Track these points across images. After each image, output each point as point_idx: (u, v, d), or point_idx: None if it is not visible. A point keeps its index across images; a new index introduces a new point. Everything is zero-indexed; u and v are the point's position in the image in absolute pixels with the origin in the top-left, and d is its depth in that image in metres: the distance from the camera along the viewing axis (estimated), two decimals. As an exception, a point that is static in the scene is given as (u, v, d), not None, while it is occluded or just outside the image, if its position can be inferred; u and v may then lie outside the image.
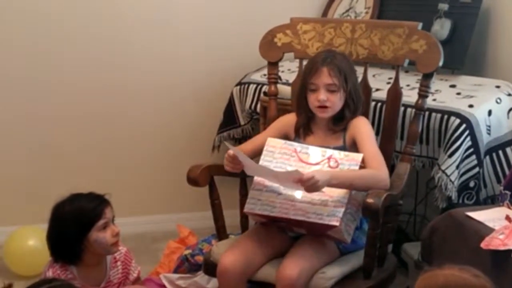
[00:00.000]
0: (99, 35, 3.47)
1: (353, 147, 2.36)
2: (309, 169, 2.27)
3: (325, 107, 2.35)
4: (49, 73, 3.43)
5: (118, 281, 2.49)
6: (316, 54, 2.46)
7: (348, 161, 2.25)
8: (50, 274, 2.36)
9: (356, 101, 2.39)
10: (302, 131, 2.45)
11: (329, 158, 2.27)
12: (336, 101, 2.35)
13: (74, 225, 2.34)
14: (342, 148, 2.34)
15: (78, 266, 2.40)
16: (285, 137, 2.44)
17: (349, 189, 2.21)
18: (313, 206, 2.22)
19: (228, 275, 2.24)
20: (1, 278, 3.19)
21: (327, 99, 2.33)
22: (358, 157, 2.25)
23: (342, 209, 2.18)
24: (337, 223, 2.17)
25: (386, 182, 2.24)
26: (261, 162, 2.36)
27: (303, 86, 2.40)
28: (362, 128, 2.38)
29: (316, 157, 2.30)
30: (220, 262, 2.27)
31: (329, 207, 2.20)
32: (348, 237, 2.25)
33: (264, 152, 2.36)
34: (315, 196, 2.22)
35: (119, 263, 2.50)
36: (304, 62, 2.66)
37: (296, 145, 2.34)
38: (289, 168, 2.29)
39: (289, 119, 2.49)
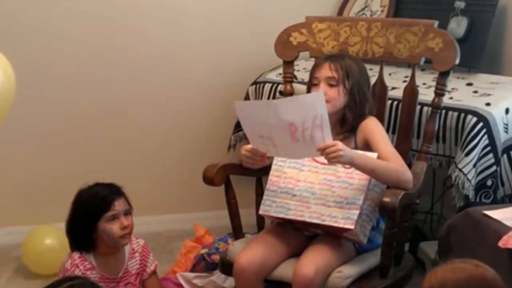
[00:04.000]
0: (115, 32, 3.49)
1: (365, 149, 2.34)
2: (323, 169, 2.27)
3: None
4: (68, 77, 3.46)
5: (136, 272, 2.56)
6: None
7: None
8: (68, 264, 2.42)
9: (360, 103, 2.36)
10: None
11: None
12: (334, 96, 2.33)
13: (86, 212, 2.43)
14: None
15: (96, 256, 2.47)
16: None
17: (370, 176, 2.20)
18: (328, 208, 2.22)
19: (244, 274, 2.24)
20: (20, 277, 3.22)
21: (325, 92, 2.29)
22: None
23: (357, 212, 2.18)
24: (352, 226, 2.17)
25: (410, 183, 2.22)
26: (275, 162, 2.36)
27: (309, 83, 2.42)
28: (374, 129, 2.35)
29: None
30: (237, 261, 2.27)
31: (344, 209, 2.20)
32: (364, 238, 2.25)
33: None
34: (330, 197, 2.22)
35: (137, 254, 2.56)
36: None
37: None
38: (304, 168, 2.29)
39: None
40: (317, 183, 2.28)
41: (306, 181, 2.29)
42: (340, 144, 2.11)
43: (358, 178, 2.23)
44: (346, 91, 2.34)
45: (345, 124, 2.37)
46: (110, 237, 2.43)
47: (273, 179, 2.35)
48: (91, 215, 2.42)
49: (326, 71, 2.35)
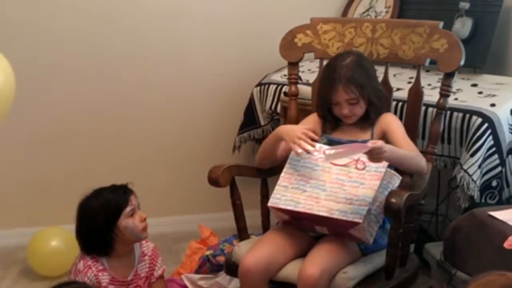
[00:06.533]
0: (118, 33, 3.49)
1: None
2: (336, 169, 2.28)
3: (348, 117, 2.40)
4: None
5: (145, 275, 2.57)
6: (331, 66, 2.42)
7: (375, 164, 2.24)
8: (81, 265, 2.43)
9: (379, 101, 2.41)
10: (330, 127, 2.47)
11: (357, 160, 2.28)
12: (358, 110, 2.39)
13: (103, 217, 2.43)
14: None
15: (108, 258, 2.47)
16: (314, 133, 2.44)
17: (396, 165, 2.27)
18: (338, 203, 2.22)
19: (250, 275, 2.24)
20: (25, 278, 3.22)
21: (349, 111, 2.38)
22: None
23: (366, 208, 2.18)
24: (360, 220, 2.16)
25: (425, 169, 2.34)
26: (288, 161, 2.37)
27: (326, 100, 2.41)
28: (394, 121, 2.42)
29: (343, 160, 2.29)
30: (242, 262, 2.27)
31: (354, 205, 2.20)
32: (370, 238, 2.25)
33: (292, 153, 2.37)
34: (340, 194, 2.23)
35: (146, 257, 2.58)
36: (325, 62, 2.66)
37: (325, 147, 2.33)
38: (317, 168, 2.31)
39: (313, 119, 2.51)
40: (328, 182, 2.28)
41: (318, 179, 2.30)
42: (384, 146, 2.16)
43: (370, 179, 2.23)
44: (365, 100, 2.38)
45: (368, 120, 2.42)
46: (133, 231, 2.44)
47: (286, 175, 2.34)
48: (111, 215, 2.42)
49: (343, 95, 2.36)
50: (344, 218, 2.19)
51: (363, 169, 2.24)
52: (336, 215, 2.20)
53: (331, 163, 2.30)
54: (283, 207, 2.30)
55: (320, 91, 2.46)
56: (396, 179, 2.29)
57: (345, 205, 2.20)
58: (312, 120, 2.52)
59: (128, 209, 2.44)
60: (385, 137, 2.37)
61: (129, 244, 2.50)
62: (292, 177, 2.33)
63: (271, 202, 2.33)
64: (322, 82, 2.45)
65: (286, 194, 2.31)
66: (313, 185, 2.29)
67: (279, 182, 2.34)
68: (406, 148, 2.30)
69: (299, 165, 2.34)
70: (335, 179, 2.27)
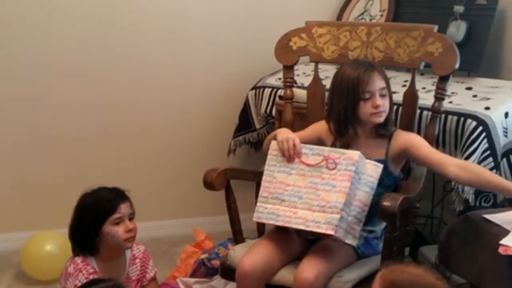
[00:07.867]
0: (115, 37, 3.49)
1: (396, 160, 2.36)
2: (309, 171, 2.28)
3: (380, 112, 2.32)
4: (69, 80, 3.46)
5: (136, 278, 2.57)
6: (352, 68, 2.33)
7: (345, 160, 2.23)
8: (72, 269, 2.42)
9: (391, 101, 2.39)
10: (343, 142, 2.41)
11: (326, 159, 2.26)
12: (387, 105, 2.34)
13: (91, 215, 2.43)
14: (384, 162, 2.31)
15: (98, 261, 2.46)
16: (319, 141, 2.44)
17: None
18: (313, 213, 2.22)
19: (247, 278, 2.24)
20: (19, 283, 3.21)
21: (382, 103, 2.31)
22: (354, 155, 2.22)
23: (338, 216, 2.17)
24: (332, 232, 2.17)
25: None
26: (266, 167, 2.36)
27: (353, 99, 2.31)
28: (413, 137, 2.37)
29: (314, 158, 2.29)
30: (240, 266, 2.27)
31: (327, 213, 2.20)
32: (354, 240, 2.24)
33: (268, 157, 2.38)
34: (314, 201, 2.23)
35: (137, 260, 2.58)
36: (320, 66, 2.67)
37: (327, 148, 2.33)
38: (292, 172, 2.31)
39: (322, 127, 2.48)
40: (304, 187, 2.28)
41: (294, 185, 2.29)
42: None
43: (340, 179, 2.22)
44: (389, 96, 2.36)
45: (387, 126, 2.37)
46: (115, 240, 2.43)
47: (265, 184, 2.35)
48: (96, 217, 2.42)
49: (379, 82, 2.31)
50: (318, 230, 2.19)
51: (334, 168, 2.24)
52: (311, 227, 2.21)
53: (303, 162, 2.30)
54: (266, 221, 2.33)
55: (343, 95, 2.33)
56: (372, 167, 2.26)
57: (319, 214, 2.21)
58: (321, 127, 2.49)
59: (114, 216, 2.43)
60: (404, 154, 2.35)
61: (113, 250, 2.48)
62: (271, 185, 2.33)
63: (256, 217, 2.34)
64: (349, 84, 2.32)
65: (267, 206, 2.31)
66: (290, 193, 2.29)
67: (260, 192, 2.35)
68: (438, 157, 2.26)
69: (275, 171, 2.34)
70: (309, 183, 2.27)
